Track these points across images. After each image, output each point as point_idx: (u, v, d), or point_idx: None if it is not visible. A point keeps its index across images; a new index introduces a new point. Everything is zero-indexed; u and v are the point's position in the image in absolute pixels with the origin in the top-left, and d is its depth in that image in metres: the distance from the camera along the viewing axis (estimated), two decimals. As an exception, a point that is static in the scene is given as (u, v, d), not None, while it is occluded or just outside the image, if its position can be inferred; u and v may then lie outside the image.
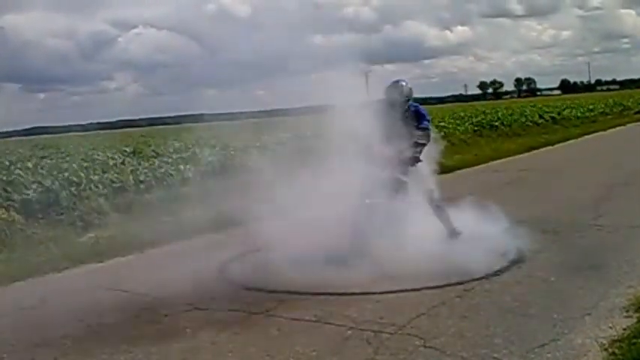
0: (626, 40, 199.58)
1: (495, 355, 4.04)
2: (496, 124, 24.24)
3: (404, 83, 7.04)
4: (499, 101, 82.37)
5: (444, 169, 14.45)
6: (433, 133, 7.24)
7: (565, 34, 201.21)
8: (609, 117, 33.25)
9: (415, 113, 7.00)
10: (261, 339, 4.63)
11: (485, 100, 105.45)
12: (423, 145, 6.92)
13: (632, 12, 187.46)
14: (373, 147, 6.77)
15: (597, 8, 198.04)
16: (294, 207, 6.48)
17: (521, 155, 17.75)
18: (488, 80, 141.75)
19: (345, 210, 6.62)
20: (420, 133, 6.90)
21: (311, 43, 8.70)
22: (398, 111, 6.92)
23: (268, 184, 7.54)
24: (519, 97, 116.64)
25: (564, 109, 31.86)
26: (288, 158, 7.76)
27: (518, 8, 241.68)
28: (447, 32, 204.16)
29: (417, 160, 6.94)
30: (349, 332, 4.61)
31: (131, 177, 11.34)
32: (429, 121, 7.07)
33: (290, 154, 8.56)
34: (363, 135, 6.76)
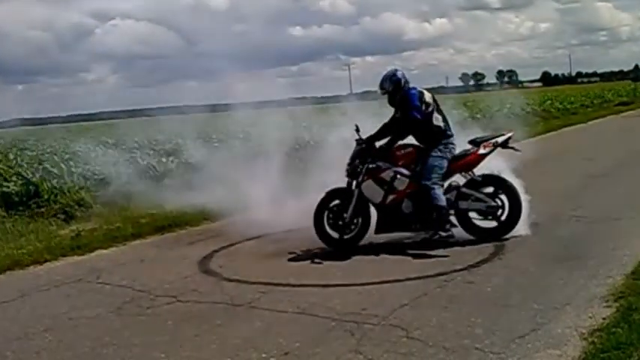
0: (603, 32, 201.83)
1: (477, 346, 4.07)
2: (477, 116, 24.35)
3: (399, 74, 7.02)
4: (480, 93, 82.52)
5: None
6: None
7: (543, 26, 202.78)
8: (589, 109, 33.53)
9: (403, 101, 6.97)
10: (244, 331, 4.62)
11: (466, 92, 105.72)
12: (397, 135, 6.90)
13: (609, 5, 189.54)
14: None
15: (573, 1, 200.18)
16: None
17: (501, 147, 17.83)
18: (470, 72, 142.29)
19: None
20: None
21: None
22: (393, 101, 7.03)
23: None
24: (501, 88, 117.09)
25: (545, 101, 32.09)
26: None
27: (494, 1, 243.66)
28: (426, 24, 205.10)
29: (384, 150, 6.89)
30: (332, 324, 4.63)
31: (113, 169, 11.26)
32: (415, 107, 6.91)
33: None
34: None
